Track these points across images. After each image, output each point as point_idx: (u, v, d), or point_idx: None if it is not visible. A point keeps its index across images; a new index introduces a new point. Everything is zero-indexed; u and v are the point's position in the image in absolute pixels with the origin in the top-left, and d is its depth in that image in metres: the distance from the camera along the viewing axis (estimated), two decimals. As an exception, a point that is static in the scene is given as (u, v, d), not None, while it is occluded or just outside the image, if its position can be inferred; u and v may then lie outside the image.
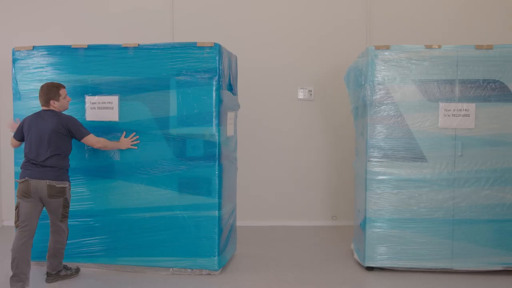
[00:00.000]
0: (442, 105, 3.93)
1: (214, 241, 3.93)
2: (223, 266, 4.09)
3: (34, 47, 4.10)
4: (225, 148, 4.09)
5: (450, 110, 3.93)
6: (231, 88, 4.26)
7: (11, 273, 3.51)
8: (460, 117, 3.92)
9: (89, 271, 4.05)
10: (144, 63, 3.94)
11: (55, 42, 4.98)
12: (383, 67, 3.96)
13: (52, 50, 4.08)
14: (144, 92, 3.95)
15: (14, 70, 4.13)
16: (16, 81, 4.12)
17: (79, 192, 4.03)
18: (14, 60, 4.12)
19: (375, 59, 3.96)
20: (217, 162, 3.91)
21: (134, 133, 3.94)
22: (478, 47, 3.91)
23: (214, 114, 3.88)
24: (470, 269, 3.97)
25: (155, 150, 3.95)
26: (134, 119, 3.96)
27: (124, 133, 3.94)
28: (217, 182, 3.92)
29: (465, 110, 3.92)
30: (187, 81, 3.89)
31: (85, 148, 4.01)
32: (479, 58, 3.91)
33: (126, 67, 3.96)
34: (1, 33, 5.76)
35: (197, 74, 3.87)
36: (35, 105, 4.08)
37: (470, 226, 3.94)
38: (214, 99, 3.88)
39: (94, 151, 4.01)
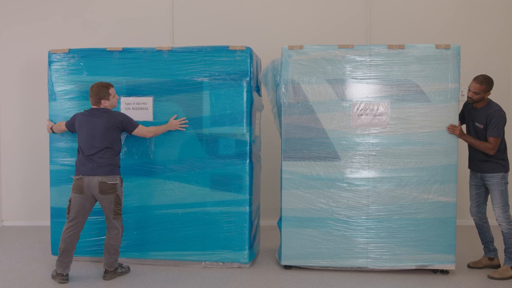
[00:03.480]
0: (355, 104, 3.97)
1: (244, 236, 4.12)
2: (252, 259, 4.28)
3: (69, 50, 4.25)
4: (254, 146, 4.28)
5: (363, 110, 3.96)
6: (258, 89, 4.45)
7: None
8: (372, 116, 3.95)
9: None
10: (178, 65, 4.11)
11: (55, 44, 5.30)
12: (297, 67, 3.97)
13: (87, 52, 4.23)
14: (178, 94, 4.13)
15: (50, 72, 4.28)
16: (52, 83, 4.27)
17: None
18: (50, 62, 4.27)
19: (289, 59, 3.98)
20: (248, 160, 4.10)
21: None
22: (390, 47, 3.92)
23: (245, 114, 4.07)
24: (385, 268, 4.01)
25: (188, 149, 4.13)
26: (168, 119, 4.12)
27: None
28: (248, 179, 4.11)
29: (378, 109, 3.94)
30: (220, 83, 4.07)
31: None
32: (391, 58, 3.92)
33: (160, 69, 4.14)
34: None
35: (229, 76, 4.06)
36: (70, 106, 4.27)
37: (384, 225, 3.97)
38: (245, 100, 4.07)
39: (129, 149, 4.18)
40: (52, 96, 4.29)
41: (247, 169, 4.11)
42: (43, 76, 5.48)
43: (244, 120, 4.08)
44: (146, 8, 5.80)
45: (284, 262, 4.11)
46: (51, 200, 4.36)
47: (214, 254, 4.16)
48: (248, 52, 4.05)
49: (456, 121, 3.94)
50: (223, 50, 4.07)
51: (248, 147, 4.11)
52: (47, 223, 5.79)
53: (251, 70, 4.09)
